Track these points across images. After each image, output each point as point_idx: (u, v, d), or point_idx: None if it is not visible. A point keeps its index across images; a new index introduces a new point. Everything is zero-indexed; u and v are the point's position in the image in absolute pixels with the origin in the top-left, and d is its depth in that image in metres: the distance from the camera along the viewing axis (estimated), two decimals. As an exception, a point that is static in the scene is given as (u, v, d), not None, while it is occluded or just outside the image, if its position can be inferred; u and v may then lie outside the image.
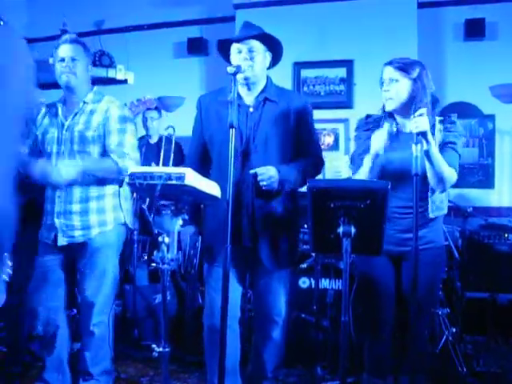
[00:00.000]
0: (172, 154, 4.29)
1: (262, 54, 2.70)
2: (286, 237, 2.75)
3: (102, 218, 2.94)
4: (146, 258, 4.04)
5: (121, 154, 2.88)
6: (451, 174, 2.55)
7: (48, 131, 2.96)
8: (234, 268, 2.72)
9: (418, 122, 2.41)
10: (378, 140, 2.55)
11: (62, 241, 2.90)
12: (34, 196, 3.28)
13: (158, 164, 4.30)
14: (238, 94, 2.69)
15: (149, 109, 5.01)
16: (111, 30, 6.26)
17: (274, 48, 2.75)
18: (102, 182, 2.92)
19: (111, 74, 5.26)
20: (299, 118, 2.76)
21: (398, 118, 2.70)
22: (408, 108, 2.57)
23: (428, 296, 2.69)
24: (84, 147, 2.89)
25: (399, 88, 2.60)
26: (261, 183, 2.59)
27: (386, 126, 2.58)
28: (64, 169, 2.73)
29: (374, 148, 2.56)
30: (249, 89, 2.73)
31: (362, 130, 2.78)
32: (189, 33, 6.12)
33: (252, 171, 2.61)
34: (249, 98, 2.75)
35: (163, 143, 4.31)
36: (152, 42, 6.19)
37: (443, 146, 2.60)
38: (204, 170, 2.76)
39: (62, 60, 2.89)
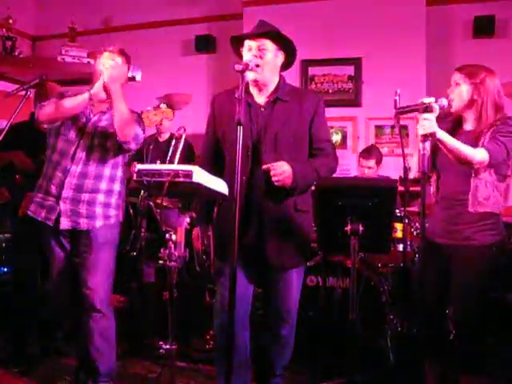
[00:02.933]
0: (179, 154, 4.29)
1: (272, 53, 2.66)
2: (295, 236, 2.72)
3: (107, 211, 3.00)
4: (153, 255, 4.04)
5: None
6: (474, 153, 2.52)
7: (75, 119, 2.98)
8: (245, 266, 2.71)
9: (425, 125, 2.43)
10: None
11: (65, 224, 2.93)
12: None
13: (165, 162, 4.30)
14: (251, 94, 2.70)
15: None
16: (119, 28, 6.28)
17: (286, 47, 2.72)
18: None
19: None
20: (311, 116, 2.73)
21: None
22: (469, 110, 2.69)
23: (463, 299, 2.62)
24: (104, 141, 2.97)
25: (460, 91, 2.69)
26: (273, 178, 2.54)
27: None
28: None
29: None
30: (259, 89, 2.72)
31: None
32: (196, 30, 6.13)
33: (265, 166, 2.56)
34: (261, 98, 2.73)
35: (173, 142, 4.31)
36: (159, 40, 6.20)
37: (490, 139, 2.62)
38: (218, 168, 2.75)
39: (102, 65, 2.96)
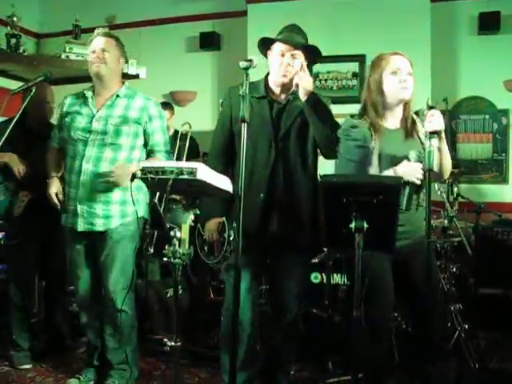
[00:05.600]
0: (186, 149, 4.31)
1: (301, 60, 2.73)
2: (311, 228, 2.77)
3: (124, 209, 2.99)
4: (157, 252, 4.04)
5: (167, 153, 3.11)
6: (450, 165, 2.62)
7: (75, 119, 3.03)
8: (254, 262, 2.75)
9: (434, 121, 2.42)
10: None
11: (81, 226, 2.97)
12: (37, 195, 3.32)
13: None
14: (272, 91, 2.79)
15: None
16: (123, 25, 6.28)
17: (313, 59, 2.81)
18: None
19: (123, 68, 5.27)
20: None
21: (389, 113, 2.66)
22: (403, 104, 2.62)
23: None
24: (117, 139, 2.97)
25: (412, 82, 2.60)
26: (292, 70, 2.63)
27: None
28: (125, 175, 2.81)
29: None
30: (282, 90, 2.79)
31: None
32: (201, 27, 6.13)
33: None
34: (281, 96, 2.80)
35: (178, 138, 4.31)
36: (164, 37, 6.20)
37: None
38: (228, 161, 2.82)
39: (93, 52, 3.01)
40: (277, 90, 2.79)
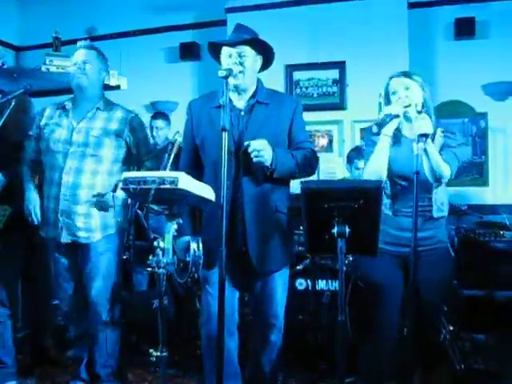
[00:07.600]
0: (171, 160, 4.32)
1: (252, 59, 2.69)
2: (277, 238, 2.73)
3: (105, 221, 3.00)
4: (141, 263, 4.03)
5: (153, 162, 3.18)
6: (446, 169, 2.64)
7: (55, 131, 3.04)
8: (230, 272, 2.70)
9: (423, 125, 2.52)
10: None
11: (65, 238, 2.98)
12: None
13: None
14: (230, 98, 2.69)
15: (155, 118, 5.06)
16: (103, 37, 6.27)
17: (265, 52, 2.75)
18: None
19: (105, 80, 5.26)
20: (290, 119, 2.75)
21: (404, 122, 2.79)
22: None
23: (439, 295, 2.80)
24: (98, 151, 2.99)
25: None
26: (252, 154, 2.54)
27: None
28: None
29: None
30: (239, 94, 2.73)
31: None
32: (181, 38, 6.14)
33: (246, 143, 2.57)
34: (240, 102, 2.75)
35: (168, 149, 4.32)
36: (144, 48, 6.20)
37: (443, 148, 2.73)
38: (197, 174, 2.73)
39: (75, 64, 3.04)
40: (233, 95, 2.73)
